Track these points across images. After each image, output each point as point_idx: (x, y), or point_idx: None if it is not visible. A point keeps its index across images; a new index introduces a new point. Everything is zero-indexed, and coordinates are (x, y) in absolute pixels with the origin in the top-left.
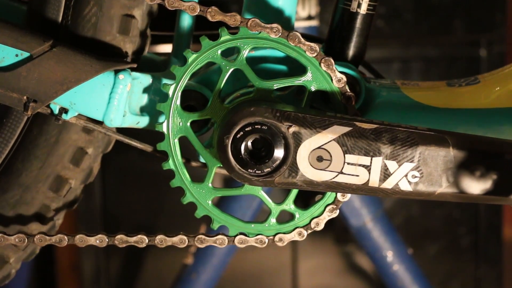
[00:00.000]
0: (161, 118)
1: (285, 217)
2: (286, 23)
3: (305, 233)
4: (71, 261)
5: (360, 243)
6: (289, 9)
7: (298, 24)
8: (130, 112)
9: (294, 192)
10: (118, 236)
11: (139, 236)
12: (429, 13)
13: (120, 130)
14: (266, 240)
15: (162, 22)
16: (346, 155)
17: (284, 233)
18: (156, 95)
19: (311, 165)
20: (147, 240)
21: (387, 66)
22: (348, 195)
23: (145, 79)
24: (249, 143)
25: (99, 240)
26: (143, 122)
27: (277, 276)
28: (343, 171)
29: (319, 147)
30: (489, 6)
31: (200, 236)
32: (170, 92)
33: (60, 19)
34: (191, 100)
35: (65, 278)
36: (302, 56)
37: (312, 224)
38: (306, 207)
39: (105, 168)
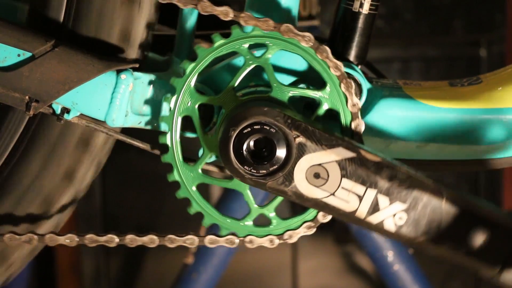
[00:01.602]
0: (164, 113)
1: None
2: (289, 18)
3: (276, 242)
4: (71, 261)
5: (360, 243)
6: (291, 8)
7: (299, 24)
8: (132, 112)
9: (279, 200)
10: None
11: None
12: (429, 13)
13: (121, 130)
14: (237, 241)
15: (164, 21)
16: (343, 179)
17: (256, 236)
18: (158, 94)
19: (306, 179)
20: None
21: (387, 66)
22: (329, 217)
23: (147, 79)
24: (252, 141)
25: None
26: (145, 122)
27: (277, 276)
28: (336, 194)
29: (319, 164)
30: (489, 6)
31: (170, 236)
32: (188, 70)
33: (62, 18)
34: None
35: (65, 278)
36: (325, 71)
37: (285, 236)
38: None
39: (105, 168)
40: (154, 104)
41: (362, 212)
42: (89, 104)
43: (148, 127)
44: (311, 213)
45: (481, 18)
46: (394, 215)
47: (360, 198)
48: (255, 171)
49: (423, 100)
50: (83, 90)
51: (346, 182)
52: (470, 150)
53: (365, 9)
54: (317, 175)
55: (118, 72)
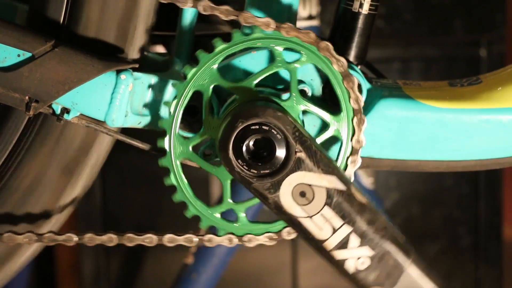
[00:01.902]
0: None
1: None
2: (292, 15)
3: (235, 241)
4: (71, 261)
5: None
6: (292, 8)
7: (299, 24)
8: (132, 112)
9: (254, 202)
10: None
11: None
12: (429, 13)
13: (121, 130)
14: (196, 240)
15: (164, 22)
16: (325, 207)
17: (214, 234)
18: (158, 95)
19: (292, 194)
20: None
21: (387, 66)
22: (293, 236)
23: (147, 79)
24: (253, 140)
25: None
26: (144, 122)
27: (277, 276)
28: (313, 218)
29: (309, 184)
30: (489, 6)
31: (129, 235)
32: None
33: (61, 19)
34: (193, 100)
35: (65, 278)
36: (344, 100)
37: (245, 238)
38: None
39: (105, 168)
40: (154, 104)
41: (330, 244)
42: (89, 104)
43: (148, 127)
44: (277, 226)
45: (481, 18)
46: (359, 258)
47: (334, 230)
48: (246, 168)
49: (422, 100)
50: (83, 90)
51: (327, 211)
52: (470, 150)
53: (365, 9)
54: (302, 194)
55: (118, 72)
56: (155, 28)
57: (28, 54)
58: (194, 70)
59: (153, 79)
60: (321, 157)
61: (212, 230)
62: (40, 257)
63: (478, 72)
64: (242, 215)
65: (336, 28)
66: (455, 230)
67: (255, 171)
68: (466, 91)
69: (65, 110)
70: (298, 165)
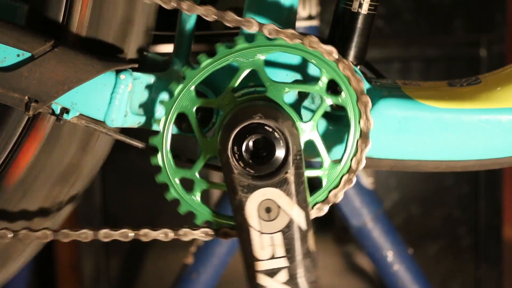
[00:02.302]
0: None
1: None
2: (288, 22)
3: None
4: (71, 261)
5: (360, 243)
6: (291, 11)
7: (299, 24)
8: (131, 112)
9: (220, 191)
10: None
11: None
12: (429, 13)
13: (121, 130)
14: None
15: (163, 22)
16: (279, 233)
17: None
18: (158, 95)
19: (259, 204)
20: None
21: (387, 66)
22: (227, 239)
23: (147, 79)
24: (256, 139)
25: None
26: (144, 122)
27: None
28: (263, 235)
29: (278, 206)
30: (489, 6)
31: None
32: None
33: (61, 19)
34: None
35: (65, 278)
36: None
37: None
38: None
39: (105, 168)
40: (154, 104)
41: (261, 266)
42: (88, 104)
43: (148, 127)
44: (220, 220)
45: (481, 18)
46: None
47: (273, 257)
48: (237, 160)
49: (422, 100)
50: (83, 90)
51: (278, 237)
52: (469, 150)
53: (364, 9)
54: (268, 210)
55: (118, 72)
56: (157, 28)
57: (27, 54)
58: (180, 87)
59: (152, 79)
60: (303, 190)
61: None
62: (40, 257)
63: (478, 72)
64: (197, 198)
65: (335, 28)
66: (455, 230)
67: (241, 167)
68: (465, 91)
69: (65, 110)
70: (281, 184)
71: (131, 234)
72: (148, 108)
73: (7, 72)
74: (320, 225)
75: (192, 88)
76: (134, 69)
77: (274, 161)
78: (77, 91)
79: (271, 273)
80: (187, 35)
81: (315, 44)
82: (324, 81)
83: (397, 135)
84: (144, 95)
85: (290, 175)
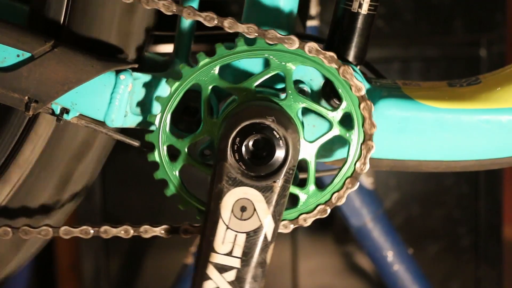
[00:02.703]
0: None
1: None
2: (288, 25)
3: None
4: (71, 261)
5: (360, 243)
6: (290, 11)
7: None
8: (131, 112)
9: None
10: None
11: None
12: (429, 13)
13: (120, 130)
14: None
15: (164, 22)
16: (245, 234)
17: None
18: (158, 95)
19: (237, 200)
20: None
21: (387, 66)
22: (187, 234)
23: (147, 79)
24: (258, 139)
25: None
26: (144, 122)
27: (277, 276)
28: (228, 231)
29: (255, 209)
30: (489, 6)
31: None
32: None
33: (61, 19)
34: (192, 101)
35: (65, 278)
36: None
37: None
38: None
39: (105, 168)
40: (154, 104)
41: (214, 258)
42: (88, 105)
43: (147, 127)
44: (194, 204)
45: (481, 18)
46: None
47: (229, 254)
48: (235, 152)
49: (422, 100)
50: (82, 90)
51: (242, 238)
52: (469, 150)
53: (364, 10)
54: (243, 209)
55: (117, 72)
56: (157, 28)
57: (27, 55)
58: (177, 84)
59: (152, 79)
60: (282, 204)
61: None
62: (40, 257)
63: (478, 72)
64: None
65: (335, 29)
66: (455, 230)
67: (235, 159)
68: (465, 92)
69: (65, 110)
70: (266, 190)
71: (92, 231)
72: (148, 108)
73: (7, 73)
74: (320, 225)
75: (216, 70)
76: (134, 69)
77: (268, 166)
78: (77, 91)
79: (222, 268)
80: (187, 35)
81: (348, 76)
82: (340, 112)
83: (397, 135)
84: (144, 95)
85: (277, 185)
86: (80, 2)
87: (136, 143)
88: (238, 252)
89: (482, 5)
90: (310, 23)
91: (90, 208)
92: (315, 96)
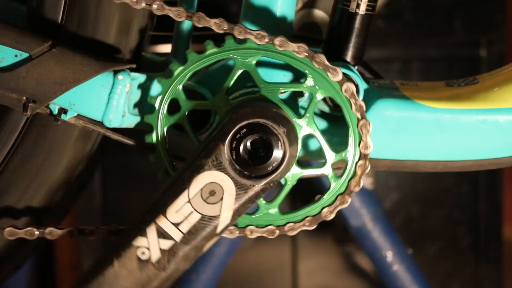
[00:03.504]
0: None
1: None
2: (285, 25)
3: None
4: (71, 261)
5: (360, 243)
6: (288, 11)
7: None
8: (129, 112)
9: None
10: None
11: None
12: (429, 13)
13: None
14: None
15: (162, 22)
16: (200, 216)
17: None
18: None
19: (210, 182)
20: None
21: (387, 66)
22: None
23: (145, 80)
24: (260, 139)
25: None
26: (142, 122)
27: (277, 276)
28: (187, 205)
29: (222, 199)
30: (489, 6)
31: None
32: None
33: (59, 19)
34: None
35: (65, 278)
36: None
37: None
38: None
39: (105, 168)
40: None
41: (161, 221)
42: (86, 105)
43: (145, 127)
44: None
45: (481, 18)
46: (148, 249)
47: (175, 224)
48: (234, 140)
49: (419, 100)
50: (80, 90)
51: (195, 217)
52: (467, 151)
53: (362, 10)
54: (211, 193)
55: (115, 72)
56: (155, 28)
57: (25, 55)
58: (160, 97)
59: (150, 79)
60: (246, 208)
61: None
62: (40, 257)
63: (478, 72)
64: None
65: (333, 29)
66: (455, 230)
67: (235, 148)
68: (463, 92)
69: (63, 111)
70: (241, 188)
71: (37, 232)
72: (146, 108)
73: (5, 73)
74: (320, 225)
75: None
76: (132, 70)
77: (255, 170)
78: (75, 92)
79: (162, 234)
80: (185, 35)
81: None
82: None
83: (395, 136)
84: (142, 96)
85: (253, 189)
86: (78, 2)
87: (134, 143)
88: (185, 227)
89: (482, 5)
90: None
91: (90, 208)
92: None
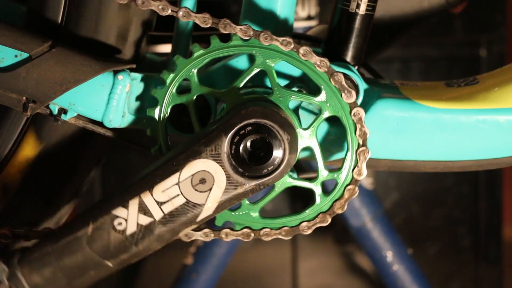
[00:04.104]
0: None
1: None
2: (285, 26)
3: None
4: None
5: (360, 243)
6: (287, 11)
7: (298, 25)
8: (129, 112)
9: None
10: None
11: None
12: None
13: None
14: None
15: (162, 22)
16: (185, 201)
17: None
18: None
19: (203, 169)
20: None
21: (387, 66)
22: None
23: (145, 80)
24: (261, 140)
25: None
26: (142, 122)
27: (277, 276)
28: (175, 187)
29: (211, 189)
30: (489, 6)
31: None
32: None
33: (59, 19)
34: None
35: None
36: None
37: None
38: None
39: (105, 168)
40: (152, 104)
41: (145, 196)
42: (86, 105)
43: (145, 127)
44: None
45: (481, 18)
46: (125, 221)
47: (158, 203)
48: (237, 135)
49: (419, 100)
50: (80, 90)
51: (180, 201)
52: (467, 151)
53: (362, 10)
54: (202, 180)
55: (115, 72)
56: (155, 28)
57: (25, 55)
58: (173, 74)
59: (150, 79)
60: (230, 204)
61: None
62: None
63: (478, 72)
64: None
65: (333, 29)
66: (455, 230)
67: (236, 143)
68: (462, 92)
69: (63, 111)
70: (232, 183)
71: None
72: (146, 108)
73: (5, 73)
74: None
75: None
76: (132, 70)
77: (250, 169)
78: (75, 92)
79: (143, 209)
80: (185, 35)
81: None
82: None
83: (395, 136)
84: (142, 96)
85: (243, 187)
86: (78, 2)
87: (134, 143)
88: (167, 208)
89: (482, 5)
90: (309, 23)
91: None
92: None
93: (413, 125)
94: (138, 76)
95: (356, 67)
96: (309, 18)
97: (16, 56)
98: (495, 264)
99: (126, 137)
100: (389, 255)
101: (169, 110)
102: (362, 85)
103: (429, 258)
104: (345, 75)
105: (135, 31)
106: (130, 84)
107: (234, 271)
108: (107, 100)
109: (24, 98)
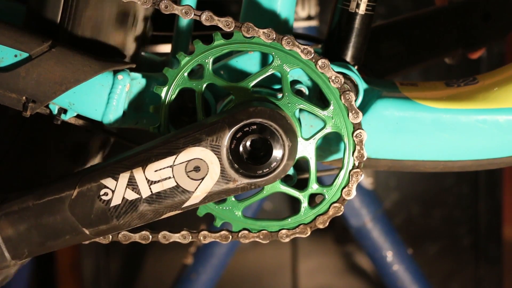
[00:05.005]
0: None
1: None
2: (285, 25)
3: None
4: (71, 261)
5: (360, 243)
6: (287, 11)
7: (298, 25)
8: (129, 112)
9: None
10: None
11: None
12: None
13: (118, 130)
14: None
15: (162, 22)
16: (176, 184)
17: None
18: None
19: (200, 157)
20: None
21: None
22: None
23: (144, 79)
24: (261, 140)
25: None
26: (142, 122)
27: (277, 276)
28: (168, 169)
29: (202, 179)
30: None
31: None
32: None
33: (59, 19)
34: (190, 102)
35: (65, 278)
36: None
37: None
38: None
39: None
40: (151, 104)
41: (137, 172)
42: (86, 105)
43: (145, 127)
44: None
45: None
46: (113, 193)
47: (149, 182)
48: (240, 130)
49: (419, 100)
50: (80, 90)
51: (170, 184)
52: (467, 150)
53: (362, 10)
54: (196, 168)
55: (115, 72)
56: (155, 28)
57: (25, 55)
58: (189, 58)
59: (150, 79)
60: (219, 197)
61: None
62: (40, 257)
63: (478, 72)
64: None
65: (333, 29)
66: (455, 230)
67: (237, 137)
68: (462, 91)
69: (62, 110)
70: (224, 177)
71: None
72: (146, 108)
73: (4, 73)
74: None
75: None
76: (131, 69)
77: (246, 167)
78: (74, 92)
79: (132, 185)
80: (185, 35)
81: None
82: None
83: (395, 135)
84: (141, 95)
85: (234, 183)
86: (78, 2)
87: (133, 143)
88: (156, 188)
89: None
90: (309, 23)
91: None
92: (312, 97)
93: (413, 125)
94: (138, 75)
95: (356, 67)
96: (309, 18)
97: (15, 56)
98: (495, 264)
99: (126, 137)
100: (389, 255)
101: (176, 92)
102: (362, 85)
103: (429, 258)
104: (344, 75)
105: (135, 31)
106: (130, 84)
107: (234, 271)
108: (106, 99)
109: (24, 98)
